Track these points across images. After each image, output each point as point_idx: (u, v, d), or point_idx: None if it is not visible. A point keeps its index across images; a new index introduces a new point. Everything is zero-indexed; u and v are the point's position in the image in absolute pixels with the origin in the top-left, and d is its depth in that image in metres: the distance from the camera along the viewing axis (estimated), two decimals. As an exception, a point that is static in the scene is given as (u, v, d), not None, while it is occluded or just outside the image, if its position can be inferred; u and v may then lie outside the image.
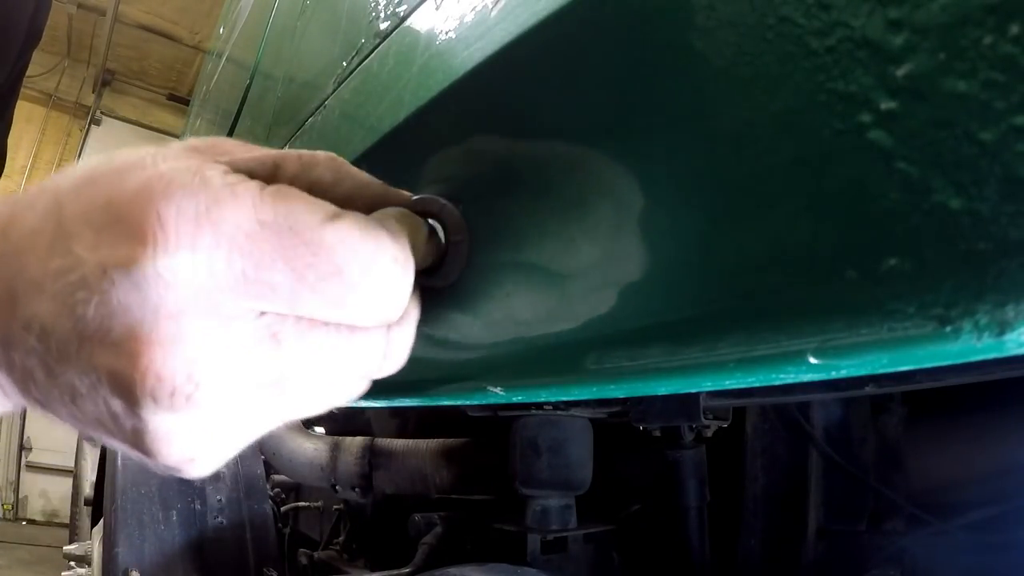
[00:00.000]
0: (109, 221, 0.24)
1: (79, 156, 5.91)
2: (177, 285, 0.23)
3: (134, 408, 0.24)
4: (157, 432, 0.25)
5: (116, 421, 0.25)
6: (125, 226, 0.23)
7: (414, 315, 0.29)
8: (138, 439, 0.25)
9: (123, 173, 0.25)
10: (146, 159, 0.25)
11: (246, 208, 0.24)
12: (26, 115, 5.64)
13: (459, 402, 0.48)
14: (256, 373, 0.25)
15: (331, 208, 0.26)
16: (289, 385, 0.26)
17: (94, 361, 0.24)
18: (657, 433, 0.88)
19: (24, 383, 0.26)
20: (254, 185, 0.25)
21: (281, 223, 0.24)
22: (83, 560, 1.81)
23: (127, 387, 0.24)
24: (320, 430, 1.38)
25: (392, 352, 0.28)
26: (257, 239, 0.24)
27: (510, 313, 0.32)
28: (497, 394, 0.35)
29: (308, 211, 0.25)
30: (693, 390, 0.27)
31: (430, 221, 0.31)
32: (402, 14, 0.39)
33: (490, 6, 0.30)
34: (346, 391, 0.28)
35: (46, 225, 0.25)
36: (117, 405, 0.24)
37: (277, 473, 1.58)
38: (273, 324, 0.25)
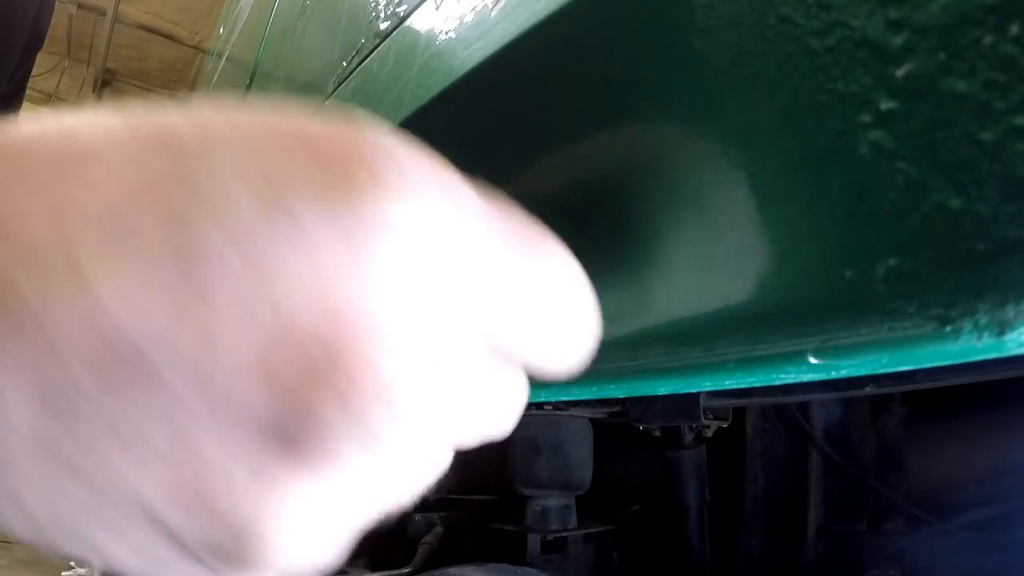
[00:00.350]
0: (301, 153, 0.16)
1: (79, 156, 5.91)
2: (399, 249, 0.16)
3: (294, 425, 0.15)
4: (290, 489, 0.16)
5: (198, 470, 0.15)
6: (334, 157, 0.16)
7: None
8: (240, 502, 0.15)
9: (299, 116, 0.17)
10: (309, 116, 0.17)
11: (470, 188, 0.18)
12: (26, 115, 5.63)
13: (459, 402, 0.47)
14: (431, 407, 0.17)
15: None
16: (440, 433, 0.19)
17: (225, 339, 0.14)
18: (657, 433, 0.88)
19: None
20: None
21: (510, 219, 0.19)
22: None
23: (311, 379, 0.15)
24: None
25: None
26: (491, 224, 0.18)
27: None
28: (497, 394, 0.35)
29: (525, 214, 0.19)
30: (693, 390, 0.27)
31: None
32: (402, 14, 0.39)
33: (490, 6, 0.30)
34: (445, 457, 0.20)
35: (147, 158, 0.15)
36: (239, 441, 0.15)
37: (277, 473, 1.58)
38: (458, 342, 0.18)
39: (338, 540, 0.18)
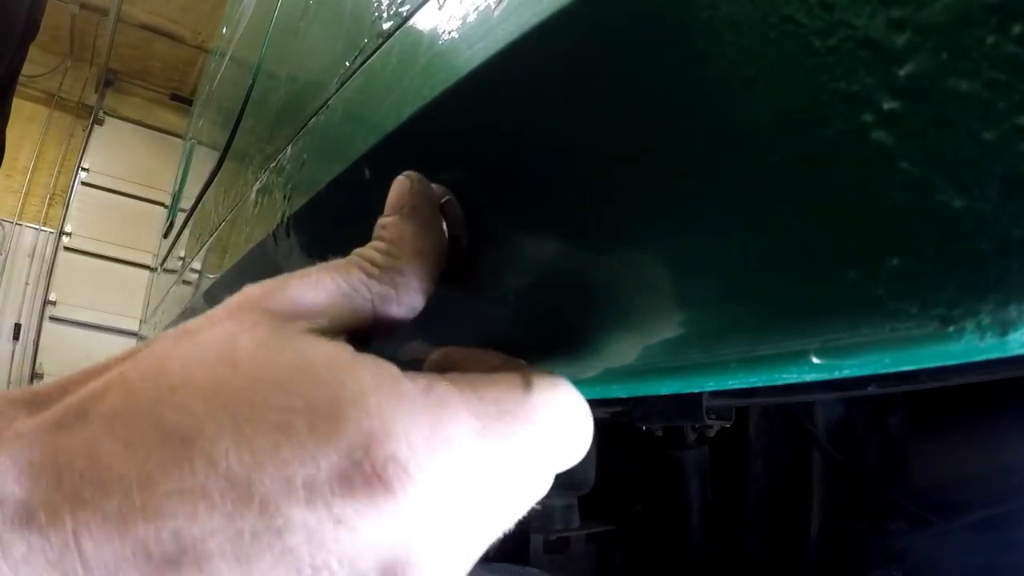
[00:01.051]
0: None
1: (82, 156, 5.91)
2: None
3: None
4: None
5: None
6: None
7: None
8: None
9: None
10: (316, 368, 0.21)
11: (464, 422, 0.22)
12: (28, 115, 5.64)
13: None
14: None
15: (514, 368, 0.25)
16: None
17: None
18: (660, 433, 0.88)
19: None
20: (441, 384, 0.22)
21: (498, 411, 0.23)
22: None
23: None
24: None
25: None
26: (491, 439, 0.23)
27: (507, 312, 0.32)
28: (499, 394, 0.35)
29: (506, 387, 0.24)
30: (695, 390, 0.27)
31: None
32: (405, 14, 0.40)
33: (493, 6, 0.30)
34: None
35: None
36: None
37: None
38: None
39: None
